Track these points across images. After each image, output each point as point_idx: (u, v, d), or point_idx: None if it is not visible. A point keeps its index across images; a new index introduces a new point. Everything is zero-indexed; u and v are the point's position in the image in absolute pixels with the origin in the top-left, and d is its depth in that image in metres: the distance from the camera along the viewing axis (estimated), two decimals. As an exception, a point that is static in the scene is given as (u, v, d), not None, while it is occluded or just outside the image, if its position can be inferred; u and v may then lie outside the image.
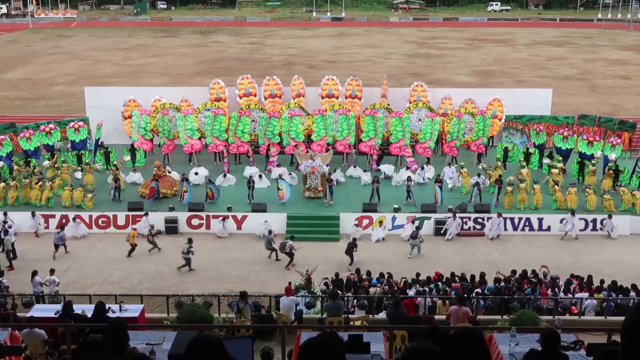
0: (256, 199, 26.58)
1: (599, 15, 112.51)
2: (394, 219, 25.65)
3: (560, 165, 29.06)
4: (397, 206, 26.14)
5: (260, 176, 28.44)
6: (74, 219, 25.27)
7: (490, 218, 25.36)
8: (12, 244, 23.15)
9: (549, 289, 19.11)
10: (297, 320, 16.19)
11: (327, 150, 29.97)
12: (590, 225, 25.62)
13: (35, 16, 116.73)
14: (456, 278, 20.14)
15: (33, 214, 25.31)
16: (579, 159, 29.78)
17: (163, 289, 20.50)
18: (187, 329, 12.49)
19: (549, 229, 25.58)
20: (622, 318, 3.16)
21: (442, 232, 25.19)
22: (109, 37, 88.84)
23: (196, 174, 29.32)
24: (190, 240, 22.76)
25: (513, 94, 35.94)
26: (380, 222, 25.18)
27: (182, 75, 57.60)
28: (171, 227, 25.45)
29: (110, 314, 14.25)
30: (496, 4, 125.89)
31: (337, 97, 33.87)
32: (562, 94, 46.35)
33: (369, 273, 20.71)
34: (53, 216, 25.76)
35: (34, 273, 19.90)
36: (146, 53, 73.43)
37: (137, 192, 27.58)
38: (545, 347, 6.64)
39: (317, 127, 31.10)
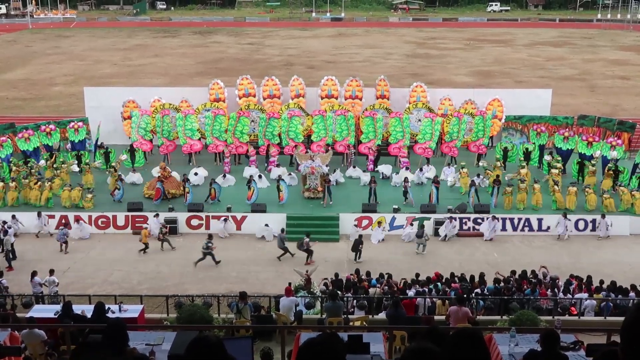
0: (252, 199, 26.57)
1: (599, 16, 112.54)
2: (393, 219, 25.65)
3: (559, 165, 29.08)
4: (396, 207, 26.15)
5: (260, 176, 28.44)
6: (77, 222, 25.23)
7: (488, 219, 25.38)
8: (12, 245, 23.14)
9: (549, 290, 19.12)
10: (296, 321, 16.19)
11: (326, 151, 29.98)
12: (590, 225, 25.62)
13: (35, 16, 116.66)
14: (456, 278, 20.14)
15: (39, 215, 25.31)
16: (579, 160, 29.79)
17: (163, 289, 20.51)
18: (186, 329, 12.49)
19: (548, 229, 25.59)
20: (622, 318, 3.16)
21: (440, 234, 25.15)
22: (109, 38, 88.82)
23: (196, 174, 29.34)
24: (210, 236, 23.28)
25: (512, 95, 35.95)
26: (379, 223, 25.19)
27: (182, 76, 57.59)
28: (171, 228, 25.42)
29: (109, 315, 14.25)
30: (496, 5, 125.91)
31: (336, 98, 33.87)
32: (561, 94, 46.36)
33: (368, 273, 20.71)
34: (53, 216, 25.75)
35: (34, 273, 19.90)
36: (146, 53, 73.42)
37: (139, 193, 27.59)
38: (545, 348, 6.64)
39: (317, 127, 31.11)
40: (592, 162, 29.30)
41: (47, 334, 13.00)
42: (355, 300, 18.24)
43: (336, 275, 20.36)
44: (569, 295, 19.13)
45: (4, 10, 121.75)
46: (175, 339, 9.93)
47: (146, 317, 16.28)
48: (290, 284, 18.17)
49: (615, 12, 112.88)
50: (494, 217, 25.16)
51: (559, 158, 29.81)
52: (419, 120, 32.23)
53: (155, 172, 29.75)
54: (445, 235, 24.94)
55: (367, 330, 13.03)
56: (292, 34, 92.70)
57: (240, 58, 68.75)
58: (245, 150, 31.51)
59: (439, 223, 25.31)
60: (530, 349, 7.40)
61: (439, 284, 19.70)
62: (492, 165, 29.36)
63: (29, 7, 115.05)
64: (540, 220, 25.69)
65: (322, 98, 33.91)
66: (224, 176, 28.90)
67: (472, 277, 20.15)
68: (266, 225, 25.00)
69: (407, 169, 29.72)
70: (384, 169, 30.34)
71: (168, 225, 25.04)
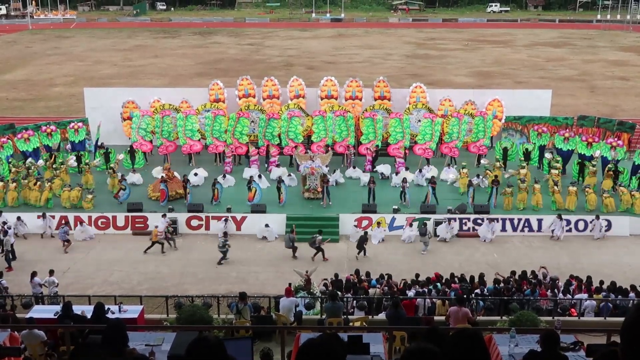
0: (256, 199, 26.58)
1: (598, 16, 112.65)
2: (393, 220, 25.65)
3: (558, 165, 29.10)
4: (396, 207, 26.16)
5: (259, 176, 28.44)
6: (80, 223, 25.23)
7: (485, 221, 25.39)
8: (12, 245, 23.14)
9: (549, 290, 19.12)
10: (296, 321, 16.19)
11: (326, 151, 29.97)
12: (590, 226, 25.60)
13: (35, 17, 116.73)
14: (455, 279, 20.13)
15: (44, 216, 25.31)
16: (579, 160, 29.80)
17: (162, 289, 20.51)
18: (186, 330, 12.48)
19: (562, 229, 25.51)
20: (622, 319, 3.16)
21: (438, 234, 25.14)
22: (109, 38, 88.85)
23: (196, 174, 29.34)
24: (225, 234, 23.40)
25: (512, 95, 35.97)
26: (379, 224, 25.19)
27: (182, 76, 57.61)
28: (174, 229, 25.38)
29: (109, 315, 14.25)
30: (495, 5, 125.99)
31: (336, 98, 33.87)
32: (561, 95, 46.37)
33: (368, 274, 20.70)
34: (53, 217, 25.73)
35: (33, 274, 19.89)
36: (145, 54, 73.44)
37: (139, 194, 27.58)
38: (545, 348, 6.64)
39: (317, 128, 31.10)
40: (593, 162, 29.31)
41: (46, 335, 12.99)
42: (355, 301, 18.24)
43: (336, 275, 20.37)
44: (569, 296, 19.13)
45: (4, 11, 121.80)
46: (175, 339, 9.93)
47: (146, 318, 16.28)
48: (290, 284, 18.18)
49: (615, 13, 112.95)
50: (491, 220, 25.16)
51: (559, 158, 29.83)
52: (419, 120, 32.23)
53: (156, 172, 29.81)
54: (445, 239, 24.93)
55: (367, 330, 13.02)
56: (292, 35, 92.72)
57: (240, 59, 68.77)
58: (244, 151, 31.52)
59: (438, 223, 25.30)
60: (530, 350, 7.40)
61: (438, 284, 19.70)
62: (492, 165, 29.37)
63: (29, 8, 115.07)
64: (540, 221, 25.69)
65: (321, 99, 33.90)
66: (224, 176, 28.90)
67: (472, 277, 20.15)
68: (266, 225, 25.00)
69: (406, 169, 29.71)
70: (384, 169, 30.36)
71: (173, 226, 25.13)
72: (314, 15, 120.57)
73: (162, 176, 27.63)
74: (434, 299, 18.40)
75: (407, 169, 29.79)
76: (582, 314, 17.77)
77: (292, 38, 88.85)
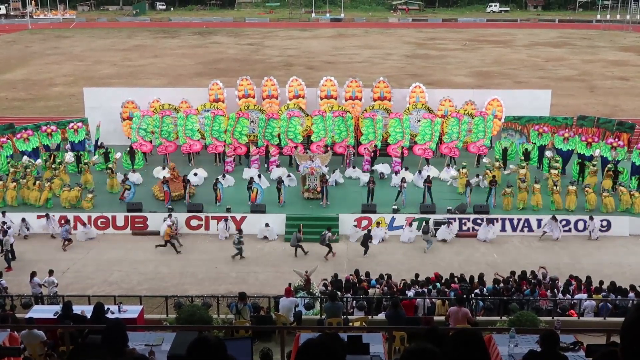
0: (258, 200, 26.59)
1: (598, 16, 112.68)
2: (392, 220, 25.64)
3: (557, 165, 29.11)
4: (396, 207, 26.16)
5: (259, 176, 28.44)
6: (84, 225, 25.22)
7: (483, 223, 25.41)
8: (11, 245, 23.13)
9: (548, 290, 19.12)
10: (296, 321, 16.18)
11: (325, 151, 29.96)
12: (598, 223, 25.53)
13: (34, 17, 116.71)
14: (455, 279, 20.13)
15: (47, 217, 25.30)
16: (579, 160, 29.80)
17: (162, 290, 20.51)
18: (186, 330, 12.47)
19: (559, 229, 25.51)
20: (621, 319, 3.16)
21: (437, 236, 25.13)
22: (108, 38, 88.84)
23: (195, 174, 29.34)
24: (240, 231, 23.67)
25: (512, 95, 35.97)
26: (378, 224, 25.19)
27: (181, 76, 57.60)
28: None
29: (109, 315, 14.24)
30: (495, 5, 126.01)
31: (335, 98, 33.86)
32: (561, 95, 46.37)
33: (368, 274, 20.70)
34: (46, 215, 25.63)
35: (33, 274, 19.88)
36: (145, 54, 73.43)
37: (139, 194, 27.59)
38: (545, 348, 6.64)
39: (317, 128, 31.08)
40: (593, 162, 29.32)
41: (46, 335, 12.99)
42: (354, 301, 18.24)
43: (335, 275, 20.37)
44: (569, 296, 19.13)
45: (3, 11, 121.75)
46: (174, 339, 9.92)
47: (145, 318, 16.27)
48: (289, 284, 18.18)
49: (615, 13, 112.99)
50: (489, 222, 25.16)
51: (558, 158, 29.83)
52: (419, 120, 32.22)
53: (156, 172, 29.83)
54: (445, 239, 24.94)
55: (366, 330, 13.02)
56: (292, 35, 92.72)
57: (239, 59, 68.77)
58: (244, 152, 31.53)
59: (437, 223, 25.29)
60: (530, 350, 7.40)
61: (438, 284, 19.70)
62: (492, 165, 29.37)
63: (29, 8, 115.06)
64: (539, 221, 25.68)
65: (321, 99, 33.90)
66: (224, 176, 28.90)
67: (472, 277, 20.15)
68: (267, 225, 25.00)
69: (406, 169, 29.72)
70: (383, 168, 30.37)
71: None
72: (313, 15, 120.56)
73: (165, 176, 27.65)
74: (433, 299, 18.40)
75: (406, 169, 29.79)
76: (582, 314, 17.77)
77: (291, 38, 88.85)
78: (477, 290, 19.05)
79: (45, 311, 15.92)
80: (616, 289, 19.23)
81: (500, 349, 10.16)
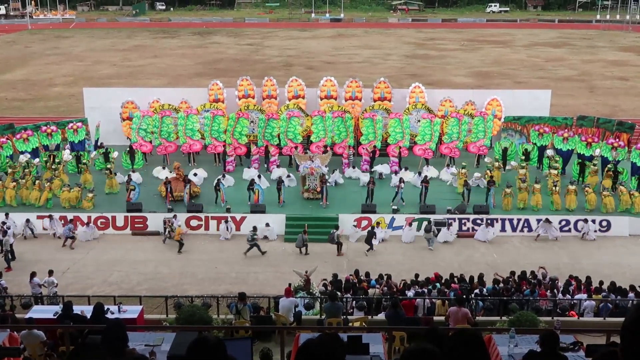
0: (260, 200, 26.61)
1: (598, 17, 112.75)
2: (392, 220, 25.64)
3: (557, 165, 29.11)
4: (395, 207, 26.16)
5: (259, 176, 28.44)
6: (87, 224, 25.23)
7: (482, 225, 25.43)
8: (11, 245, 23.13)
9: (548, 290, 19.12)
10: (296, 322, 16.18)
11: (325, 152, 29.93)
12: (592, 225, 25.54)
13: (34, 17, 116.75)
14: (455, 279, 20.13)
15: (50, 218, 25.31)
16: (579, 160, 29.81)
17: (162, 290, 20.50)
18: (186, 330, 12.47)
19: (554, 230, 25.51)
20: (621, 319, 3.16)
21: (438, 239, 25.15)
22: (108, 38, 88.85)
23: (195, 175, 29.34)
24: (254, 228, 23.87)
25: (512, 95, 35.97)
26: (378, 224, 25.18)
27: (181, 76, 57.61)
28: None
29: (108, 315, 14.24)
30: (495, 5, 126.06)
31: (335, 99, 33.86)
32: (560, 95, 46.38)
33: (367, 274, 20.70)
34: (50, 216, 25.65)
35: (33, 274, 19.88)
36: (145, 54, 73.43)
37: (145, 195, 27.62)
38: (545, 348, 6.64)
39: (317, 128, 31.06)
40: (594, 161, 29.32)
41: (46, 335, 12.98)
42: (354, 301, 18.24)
43: (335, 276, 20.35)
44: (568, 296, 19.13)
45: (3, 11, 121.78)
46: (174, 339, 9.92)
47: (145, 318, 16.27)
48: (289, 284, 18.18)
49: (615, 13, 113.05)
50: (488, 224, 25.16)
51: (557, 158, 29.84)
52: (418, 121, 32.21)
53: (157, 172, 29.81)
54: (447, 240, 24.96)
55: (366, 331, 13.02)
56: (292, 35, 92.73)
57: (239, 59, 68.77)
58: (244, 152, 31.55)
59: (437, 224, 25.28)
60: (530, 350, 7.40)
61: (437, 284, 19.70)
62: (492, 165, 29.38)
63: (28, 8, 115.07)
64: (539, 221, 25.65)
65: (321, 99, 33.89)
66: (224, 176, 28.90)
67: (472, 277, 20.15)
68: (267, 225, 25.00)
69: (406, 169, 29.74)
70: (382, 168, 30.37)
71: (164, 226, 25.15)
72: (313, 15, 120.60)
73: (167, 177, 27.69)
74: (433, 299, 18.40)
75: (406, 169, 29.81)
76: (582, 314, 17.78)
77: (291, 38, 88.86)
78: (476, 291, 19.05)
79: (45, 311, 15.92)
80: (616, 289, 19.23)
81: (500, 349, 10.16)
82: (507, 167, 29.06)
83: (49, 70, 63.24)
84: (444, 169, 30.15)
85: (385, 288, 19.17)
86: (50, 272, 20.10)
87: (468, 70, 61.62)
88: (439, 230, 24.91)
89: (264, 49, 77.83)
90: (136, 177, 29.35)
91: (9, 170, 28.23)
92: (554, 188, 26.55)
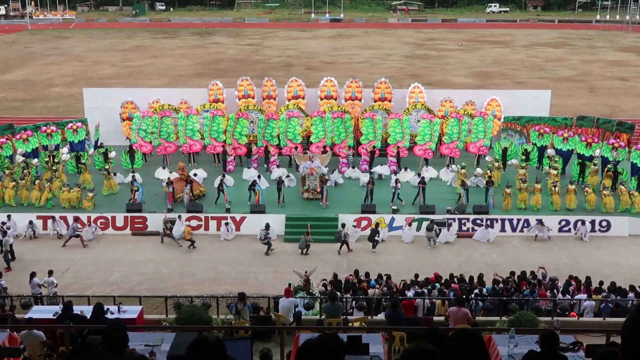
0: (260, 200, 26.62)
1: (598, 17, 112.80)
2: (392, 220, 25.64)
3: (557, 165, 29.11)
4: (395, 207, 26.16)
5: (259, 176, 28.44)
6: (83, 225, 25.23)
7: (482, 226, 25.43)
8: (11, 246, 23.13)
9: (548, 290, 19.12)
10: (295, 322, 16.18)
11: (323, 152, 29.90)
12: (589, 226, 25.57)
13: (34, 17, 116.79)
14: (455, 279, 20.13)
15: (53, 219, 25.30)
16: (579, 160, 29.81)
17: (162, 290, 20.50)
18: (185, 330, 12.47)
19: (547, 230, 25.54)
20: (621, 319, 3.16)
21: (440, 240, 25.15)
22: (108, 39, 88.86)
23: (195, 175, 29.33)
24: (267, 226, 23.95)
25: (511, 96, 35.99)
26: (377, 224, 25.17)
27: (181, 77, 57.62)
28: (170, 229, 25.36)
29: (108, 315, 14.23)
30: (495, 6, 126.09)
31: (335, 99, 33.86)
32: (560, 95, 46.40)
33: (367, 274, 20.70)
34: (52, 217, 25.65)
35: (33, 274, 19.88)
36: (145, 54, 73.44)
37: (145, 194, 27.60)
38: (544, 348, 6.63)
39: (316, 129, 31.04)
40: (594, 161, 29.32)
41: (46, 335, 12.98)
42: (354, 301, 18.24)
43: (335, 276, 20.36)
44: (568, 296, 19.13)
45: (3, 11, 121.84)
46: (174, 339, 9.93)
47: (145, 318, 16.27)
48: (289, 285, 18.18)
49: (614, 13, 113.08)
50: (487, 225, 25.17)
51: (557, 158, 29.83)
52: (418, 121, 32.21)
53: (157, 174, 29.79)
54: (448, 241, 24.97)
55: (366, 331, 13.02)
56: (291, 35, 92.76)
57: (239, 59, 68.78)
58: (244, 152, 31.55)
59: (437, 224, 25.25)
60: (530, 350, 7.39)
61: (437, 284, 19.70)
62: (492, 165, 29.38)
63: (28, 8, 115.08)
64: (539, 222, 25.64)
65: (321, 99, 33.89)
66: (223, 176, 28.87)
67: (471, 278, 20.15)
68: (267, 224, 24.97)
69: (405, 169, 29.74)
70: (382, 170, 30.36)
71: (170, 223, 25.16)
72: (313, 15, 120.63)
73: (169, 178, 27.70)
74: (433, 299, 18.40)
75: (405, 168, 29.81)
76: (582, 314, 17.78)
77: (291, 38, 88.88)
78: (476, 291, 19.06)
79: (44, 311, 15.91)
80: (616, 289, 19.23)
81: (500, 349, 10.17)
82: (509, 163, 29.13)
83: (48, 70, 63.25)
84: (444, 169, 30.14)
85: (385, 288, 19.17)
86: (50, 272, 20.10)
87: (468, 70, 61.63)
88: (440, 230, 24.93)
89: (263, 49, 77.84)
90: (136, 177, 29.30)
91: (7, 172, 28.17)
92: (553, 188, 26.55)
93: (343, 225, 24.20)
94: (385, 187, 28.65)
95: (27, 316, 15.58)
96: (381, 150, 31.48)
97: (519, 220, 25.77)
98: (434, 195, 27.28)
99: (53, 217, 25.35)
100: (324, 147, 30.66)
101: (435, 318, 16.51)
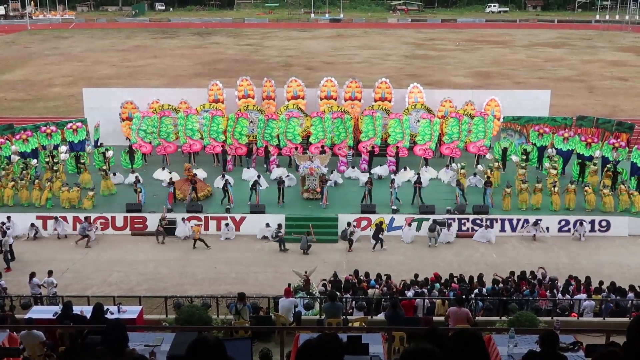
0: (255, 200, 26.62)
1: (597, 17, 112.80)
2: (392, 220, 25.64)
3: (556, 166, 29.12)
4: (395, 207, 26.17)
5: (259, 176, 28.43)
6: (89, 224, 25.25)
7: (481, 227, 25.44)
8: (10, 246, 23.13)
9: (548, 290, 19.12)
10: (295, 322, 16.18)
11: (322, 152, 29.88)
12: (589, 226, 25.58)
13: (34, 17, 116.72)
14: (455, 279, 20.14)
15: (56, 219, 25.29)
16: (579, 160, 29.81)
17: (161, 290, 20.50)
18: (185, 330, 12.47)
19: (547, 230, 25.56)
20: (621, 319, 3.17)
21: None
22: (107, 39, 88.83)
23: (195, 175, 29.29)
24: (279, 225, 24.23)
25: (511, 96, 36.00)
26: (381, 223, 25.18)
27: (181, 77, 57.60)
28: (170, 229, 25.39)
29: (108, 316, 14.23)
30: (494, 6, 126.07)
31: (335, 99, 33.86)
32: (560, 95, 46.41)
33: (367, 274, 20.71)
34: (52, 217, 25.66)
35: (32, 275, 19.87)
36: (144, 54, 73.43)
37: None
38: (544, 348, 6.63)
39: (316, 129, 31.02)
40: (594, 161, 29.33)
41: (45, 335, 12.97)
42: (354, 301, 18.24)
43: (335, 276, 20.36)
44: (568, 296, 19.13)
45: (2, 12, 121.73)
46: (174, 340, 9.92)
47: (145, 318, 16.26)
48: (289, 285, 18.17)
49: (614, 13, 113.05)
50: (487, 226, 25.16)
51: (557, 158, 29.84)
52: (418, 121, 32.22)
53: (157, 174, 29.78)
54: (448, 241, 24.97)
55: (366, 331, 13.02)
56: (291, 35, 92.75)
57: (239, 59, 68.77)
58: (244, 152, 31.56)
59: (438, 224, 25.26)
60: (529, 350, 7.39)
61: (437, 284, 19.71)
62: (492, 165, 29.37)
63: (28, 8, 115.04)
64: (538, 221, 25.65)
65: (321, 99, 33.89)
66: (223, 176, 28.88)
67: (471, 278, 20.15)
68: (267, 225, 25.00)
69: (405, 169, 29.75)
70: (381, 171, 30.36)
71: (164, 227, 25.13)
72: (312, 15, 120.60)
73: (170, 178, 27.70)
74: (433, 299, 18.40)
75: (405, 168, 29.81)
76: (581, 314, 17.79)
77: (291, 38, 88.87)
78: (476, 291, 19.06)
79: (44, 312, 15.90)
80: (616, 289, 19.24)
81: (500, 349, 10.17)
82: (510, 158, 29.21)
83: (48, 70, 63.23)
84: (443, 169, 30.14)
85: (385, 288, 19.18)
86: (50, 273, 20.09)
87: (467, 70, 61.63)
88: (441, 230, 24.94)
89: (263, 49, 77.83)
90: (139, 178, 29.31)
91: (3, 173, 28.10)
92: (553, 188, 26.56)
93: (348, 224, 24.26)
94: (385, 187, 28.64)
95: (26, 316, 15.56)
96: (381, 149, 31.46)
97: (518, 220, 25.77)
98: (434, 195, 27.29)
99: (55, 218, 25.34)
100: (322, 147, 30.63)
101: (435, 318, 16.51)
